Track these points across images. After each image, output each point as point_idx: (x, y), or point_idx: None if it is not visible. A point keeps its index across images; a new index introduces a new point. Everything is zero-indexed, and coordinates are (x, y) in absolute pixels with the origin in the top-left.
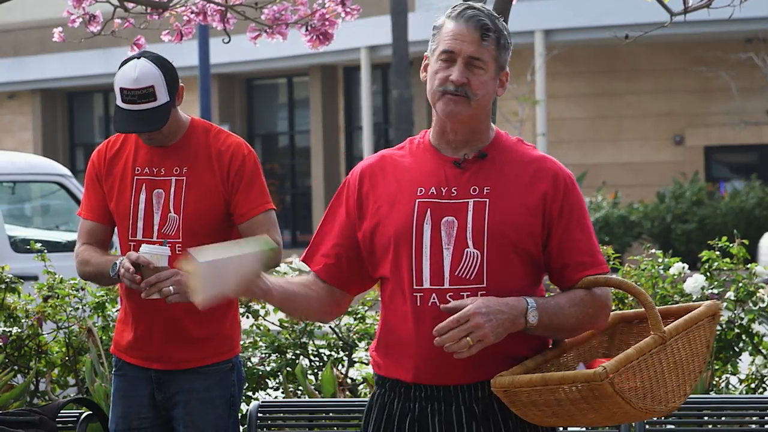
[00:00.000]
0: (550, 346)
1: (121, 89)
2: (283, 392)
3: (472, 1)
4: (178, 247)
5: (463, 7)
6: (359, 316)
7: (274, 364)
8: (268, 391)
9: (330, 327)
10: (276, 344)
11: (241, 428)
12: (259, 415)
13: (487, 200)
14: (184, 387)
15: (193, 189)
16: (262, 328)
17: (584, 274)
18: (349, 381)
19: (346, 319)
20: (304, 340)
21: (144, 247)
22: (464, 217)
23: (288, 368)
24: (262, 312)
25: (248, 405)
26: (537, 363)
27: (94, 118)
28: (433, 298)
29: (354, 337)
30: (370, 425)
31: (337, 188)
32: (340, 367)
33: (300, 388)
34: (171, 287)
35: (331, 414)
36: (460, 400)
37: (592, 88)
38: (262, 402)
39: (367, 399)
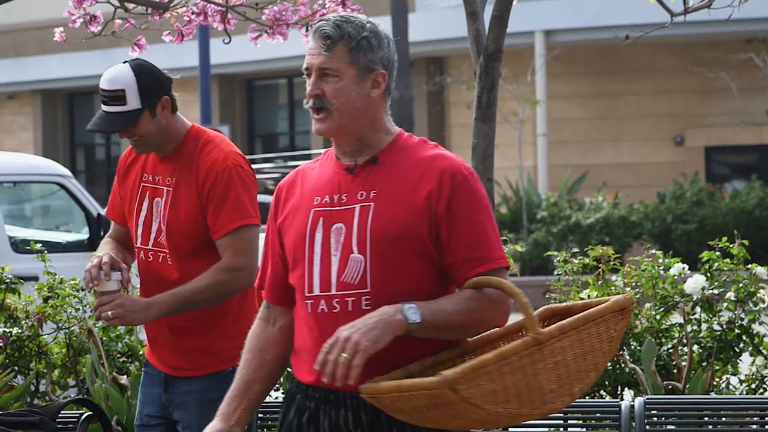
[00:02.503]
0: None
1: (99, 89)
2: (283, 393)
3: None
4: (169, 259)
5: (317, 24)
6: None
7: None
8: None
9: None
10: None
11: None
12: (260, 415)
13: (372, 204)
14: (183, 389)
15: (175, 201)
16: None
17: (475, 271)
18: None
19: None
20: None
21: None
22: (350, 222)
23: (288, 369)
24: None
25: None
26: (425, 366)
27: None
28: (322, 305)
29: None
30: (283, 418)
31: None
32: None
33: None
34: (109, 312)
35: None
36: (348, 406)
37: (593, 89)
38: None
39: None
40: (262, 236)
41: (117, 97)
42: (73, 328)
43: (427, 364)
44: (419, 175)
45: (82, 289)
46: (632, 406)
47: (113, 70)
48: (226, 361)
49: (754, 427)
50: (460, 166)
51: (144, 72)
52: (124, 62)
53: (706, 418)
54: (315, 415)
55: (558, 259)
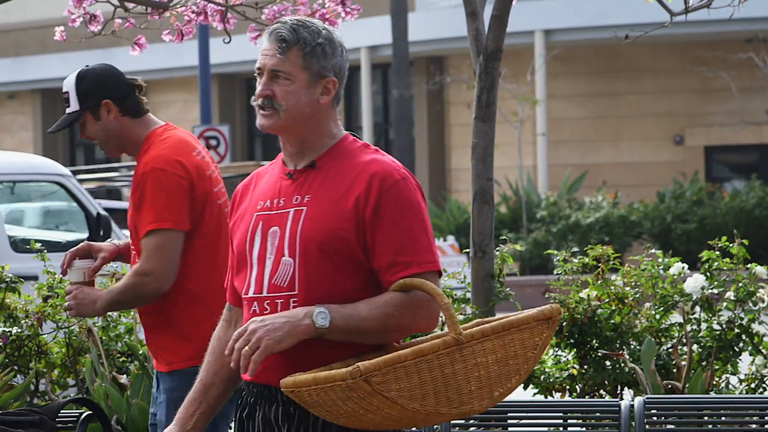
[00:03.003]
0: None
1: None
2: None
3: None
4: (136, 257)
5: (274, 25)
6: None
7: None
8: None
9: None
10: None
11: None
12: None
13: (305, 209)
14: (161, 387)
15: (131, 206)
16: None
17: (399, 275)
18: None
19: None
20: None
21: (76, 261)
22: (284, 226)
23: None
24: None
25: None
26: (348, 365)
27: None
28: (255, 306)
29: None
30: (235, 413)
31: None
32: None
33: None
34: (67, 302)
35: None
36: (279, 401)
37: (593, 88)
38: None
39: None
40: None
41: (65, 99)
42: (72, 327)
43: (351, 364)
44: (351, 180)
45: None
46: (632, 406)
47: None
48: (185, 360)
49: (754, 426)
50: (391, 171)
51: (87, 76)
52: (86, 66)
53: (706, 418)
54: (252, 410)
55: (558, 258)
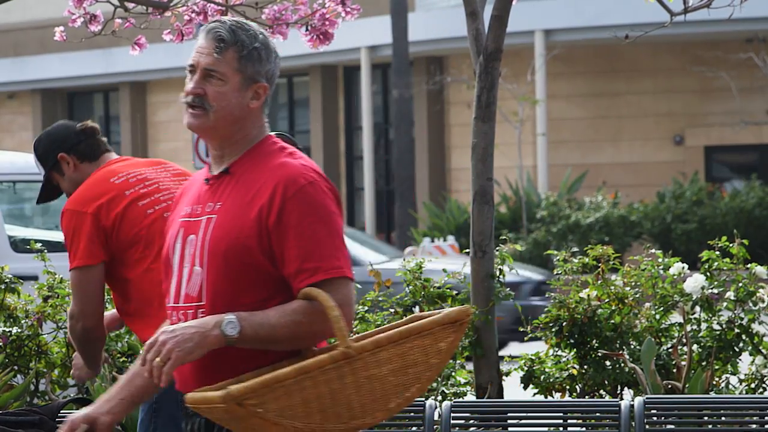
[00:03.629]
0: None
1: None
2: None
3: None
4: None
5: (212, 22)
6: (359, 315)
7: None
8: None
9: None
10: None
11: None
12: None
13: (215, 216)
14: None
15: None
16: None
17: (306, 282)
18: None
19: None
20: None
21: None
22: (198, 234)
23: None
24: None
25: None
26: (260, 374)
27: (95, 118)
28: (174, 316)
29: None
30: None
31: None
32: None
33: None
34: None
35: None
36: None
37: (592, 88)
38: None
39: None
40: None
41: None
42: None
43: (264, 373)
44: (259, 187)
45: None
46: (632, 406)
47: None
48: None
49: (754, 426)
50: (297, 176)
51: (41, 139)
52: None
53: (706, 418)
54: (180, 421)
55: (558, 258)
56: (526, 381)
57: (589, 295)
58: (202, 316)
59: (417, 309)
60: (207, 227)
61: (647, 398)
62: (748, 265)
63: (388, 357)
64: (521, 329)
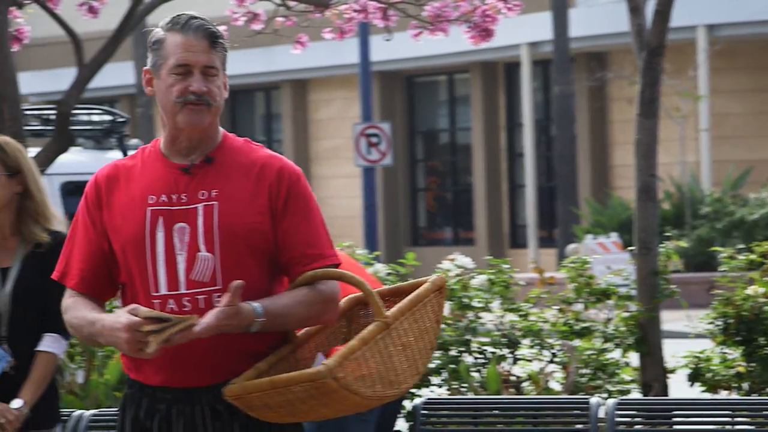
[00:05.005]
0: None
1: None
2: (447, 389)
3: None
4: None
5: (185, 18)
6: (523, 313)
7: (438, 361)
8: (432, 388)
9: (494, 324)
10: (439, 341)
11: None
12: (423, 411)
13: (216, 203)
14: None
15: None
16: None
17: (311, 266)
18: (513, 378)
19: (510, 316)
20: (467, 337)
21: None
22: (195, 221)
23: (452, 365)
24: None
25: (412, 401)
26: (270, 363)
27: (256, 117)
28: (171, 304)
29: (518, 334)
30: (125, 426)
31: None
32: (504, 364)
33: (464, 385)
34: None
35: (495, 411)
36: (203, 401)
37: (756, 84)
38: (427, 399)
39: (531, 396)
40: None
41: None
42: None
43: (273, 361)
44: (257, 174)
45: None
46: None
47: None
48: None
49: None
50: (294, 167)
51: None
52: None
53: None
54: (167, 415)
55: (723, 255)
56: (693, 378)
57: (755, 292)
58: (218, 300)
59: (581, 306)
60: (209, 214)
61: None
62: None
63: (410, 324)
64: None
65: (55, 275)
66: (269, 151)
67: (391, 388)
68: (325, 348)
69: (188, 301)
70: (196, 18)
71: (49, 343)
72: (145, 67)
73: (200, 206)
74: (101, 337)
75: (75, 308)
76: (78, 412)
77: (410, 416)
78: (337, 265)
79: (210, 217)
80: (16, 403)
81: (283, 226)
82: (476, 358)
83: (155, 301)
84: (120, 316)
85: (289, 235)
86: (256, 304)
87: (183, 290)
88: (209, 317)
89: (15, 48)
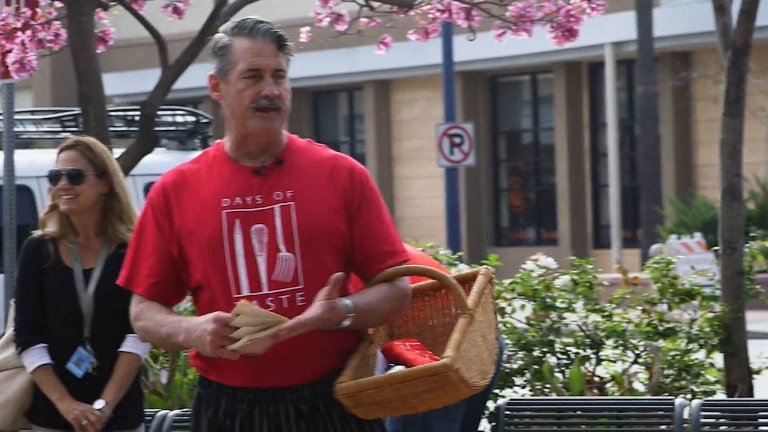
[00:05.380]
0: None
1: None
2: (530, 390)
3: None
4: None
5: (252, 23)
6: (607, 313)
7: (521, 362)
8: (515, 388)
9: (577, 325)
10: (523, 342)
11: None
12: (507, 412)
13: (292, 203)
14: None
15: None
16: (508, 325)
17: (387, 263)
18: (597, 379)
19: (594, 317)
20: (551, 337)
21: None
22: (272, 222)
23: (535, 366)
24: (508, 309)
25: (496, 402)
26: (357, 361)
27: (339, 117)
28: (254, 304)
29: (601, 334)
30: (201, 425)
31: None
32: (587, 364)
33: (547, 385)
34: None
35: (578, 412)
36: (287, 401)
37: None
38: (510, 399)
39: (615, 397)
40: None
41: None
42: None
43: (359, 359)
44: (328, 174)
45: None
46: None
47: None
48: None
49: None
50: (362, 166)
51: None
52: None
53: None
54: (250, 416)
55: None
56: None
57: None
58: (301, 299)
59: (665, 307)
60: (287, 214)
61: None
62: None
63: (484, 316)
64: None
65: (120, 281)
66: (333, 151)
67: (483, 377)
68: (380, 344)
69: (271, 302)
70: (262, 22)
71: (132, 344)
72: (210, 73)
73: (277, 207)
74: (182, 336)
75: (149, 313)
76: (162, 412)
77: (493, 417)
78: (405, 262)
79: (288, 218)
80: (99, 404)
81: (358, 225)
82: (559, 359)
83: (237, 303)
84: (210, 314)
85: (365, 234)
86: (347, 301)
87: (265, 291)
88: (314, 309)
89: (100, 49)
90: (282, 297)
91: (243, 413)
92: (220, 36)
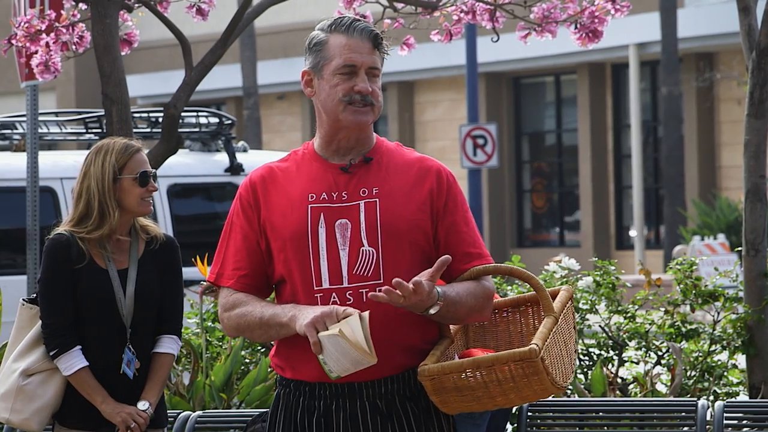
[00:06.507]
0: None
1: None
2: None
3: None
4: None
5: (349, 20)
6: (629, 315)
7: None
8: None
9: (600, 326)
10: None
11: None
12: (529, 413)
13: (377, 200)
14: None
15: None
16: None
17: (471, 264)
18: (619, 380)
19: (616, 318)
20: None
21: None
22: (357, 217)
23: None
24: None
25: None
26: (441, 351)
27: None
28: (334, 298)
29: (624, 336)
30: (278, 425)
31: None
32: (610, 366)
33: (569, 387)
34: None
35: (601, 413)
36: (364, 397)
37: None
38: None
39: (637, 399)
40: None
41: None
42: None
43: (442, 349)
44: (415, 173)
45: None
46: None
47: None
48: None
49: None
50: (447, 168)
51: None
52: None
53: None
54: (327, 412)
55: None
56: None
57: None
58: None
59: (687, 308)
60: (372, 210)
61: None
62: None
63: (566, 325)
64: None
65: (210, 277)
66: (421, 154)
67: (564, 379)
68: (459, 349)
69: (351, 295)
70: (359, 20)
71: (169, 345)
72: (304, 69)
73: (362, 203)
74: (290, 314)
75: (245, 303)
76: (185, 413)
77: (515, 418)
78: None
79: (373, 213)
80: (143, 405)
81: (444, 225)
82: (582, 360)
83: (317, 295)
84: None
85: (451, 234)
86: (438, 288)
87: (346, 284)
88: (420, 276)
89: (125, 51)
90: (362, 290)
91: (321, 410)
92: (316, 33)
